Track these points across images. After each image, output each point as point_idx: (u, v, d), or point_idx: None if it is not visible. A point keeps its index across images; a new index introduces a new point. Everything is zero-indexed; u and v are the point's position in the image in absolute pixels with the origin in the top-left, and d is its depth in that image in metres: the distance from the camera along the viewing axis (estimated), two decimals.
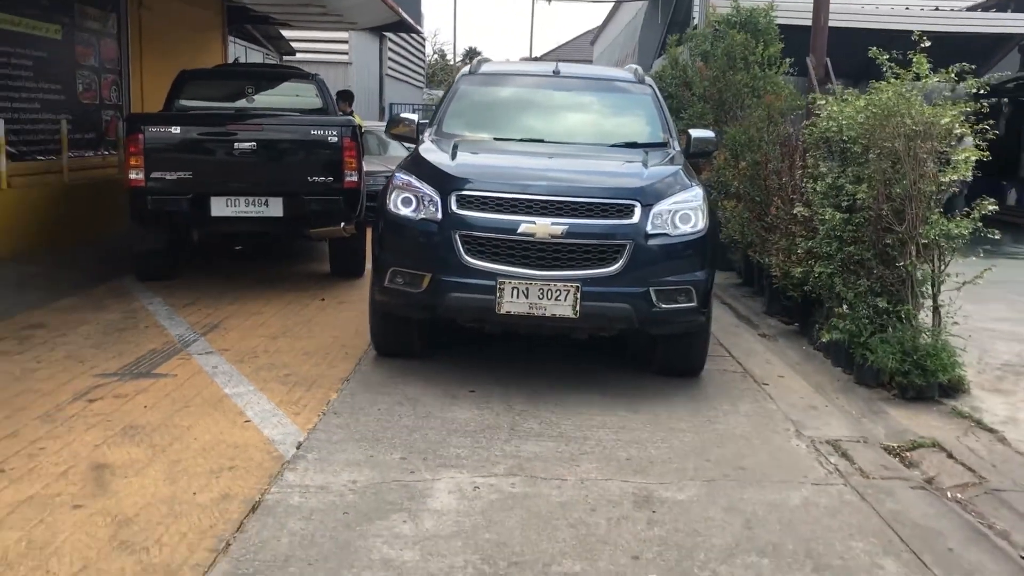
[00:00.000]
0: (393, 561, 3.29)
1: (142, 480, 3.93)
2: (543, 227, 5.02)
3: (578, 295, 4.94)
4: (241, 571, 3.18)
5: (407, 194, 5.36)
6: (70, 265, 8.76)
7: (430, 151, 5.93)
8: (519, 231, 5.04)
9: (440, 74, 52.48)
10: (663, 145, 6.24)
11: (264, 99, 9.20)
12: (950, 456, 4.56)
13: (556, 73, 7.03)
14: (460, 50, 58.79)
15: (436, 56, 57.01)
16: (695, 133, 6.29)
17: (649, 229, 5.11)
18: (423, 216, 5.26)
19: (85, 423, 4.59)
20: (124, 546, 3.33)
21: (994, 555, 3.56)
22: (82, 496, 3.74)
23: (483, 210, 5.16)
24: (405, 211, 5.32)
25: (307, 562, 3.26)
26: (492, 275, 5.02)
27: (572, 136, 6.47)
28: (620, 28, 26.35)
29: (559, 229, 5.02)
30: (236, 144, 7.64)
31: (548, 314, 4.97)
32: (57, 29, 10.03)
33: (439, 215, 5.20)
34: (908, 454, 4.63)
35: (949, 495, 4.13)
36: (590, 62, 39.16)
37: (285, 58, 19.97)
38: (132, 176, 7.47)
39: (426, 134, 6.44)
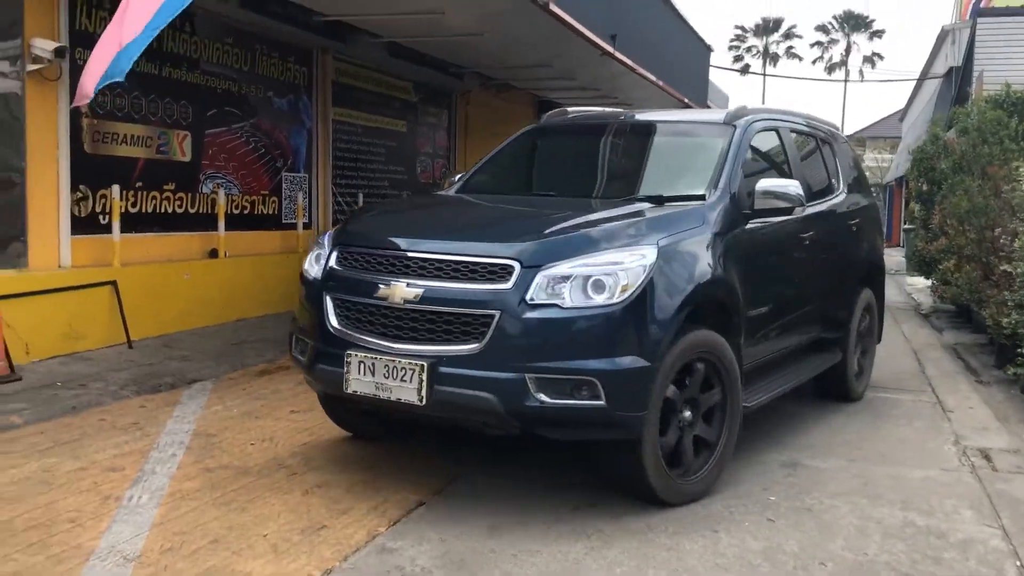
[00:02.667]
0: None
1: None
2: (397, 290, 4.09)
3: (425, 377, 3.92)
4: None
5: (316, 250, 4.70)
6: None
7: (377, 207, 5.48)
8: (375, 294, 4.17)
9: None
10: (694, 198, 4.79)
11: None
12: None
13: (625, 119, 6.00)
14: None
15: None
16: (764, 185, 4.90)
17: (529, 297, 3.90)
18: (313, 275, 4.58)
19: None
20: None
21: None
22: None
23: (352, 269, 4.39)
24: (307, 268, 4.67)
25: None
26: (345, 344, 4.22)
27: (583, 190, 5.39)
28: (922, 105, 26.31)
29: (412, 293, 4.06)
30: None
31: (393, 398, 4.02)
32: (403, 124, 12.98)
33: (320, 273, 4.52)
34: None
35: None
36: (898, 139, 38.49)
37: None
38: None
39: (446, 189, 5.92)
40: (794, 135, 6.06)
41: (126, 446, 5.08)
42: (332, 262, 4.50)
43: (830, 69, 65.74)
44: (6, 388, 6.13)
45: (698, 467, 4.44)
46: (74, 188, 7.66)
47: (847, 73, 65.06)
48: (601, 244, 4.12)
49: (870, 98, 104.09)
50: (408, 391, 3.99)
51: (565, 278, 3.96)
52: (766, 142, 5.72)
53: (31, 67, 7.14)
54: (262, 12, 9.37)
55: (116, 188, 7.88)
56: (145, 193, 8.46)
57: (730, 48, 67.51)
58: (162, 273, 8.38)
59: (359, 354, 4.14)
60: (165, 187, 8.69)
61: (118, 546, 3.69)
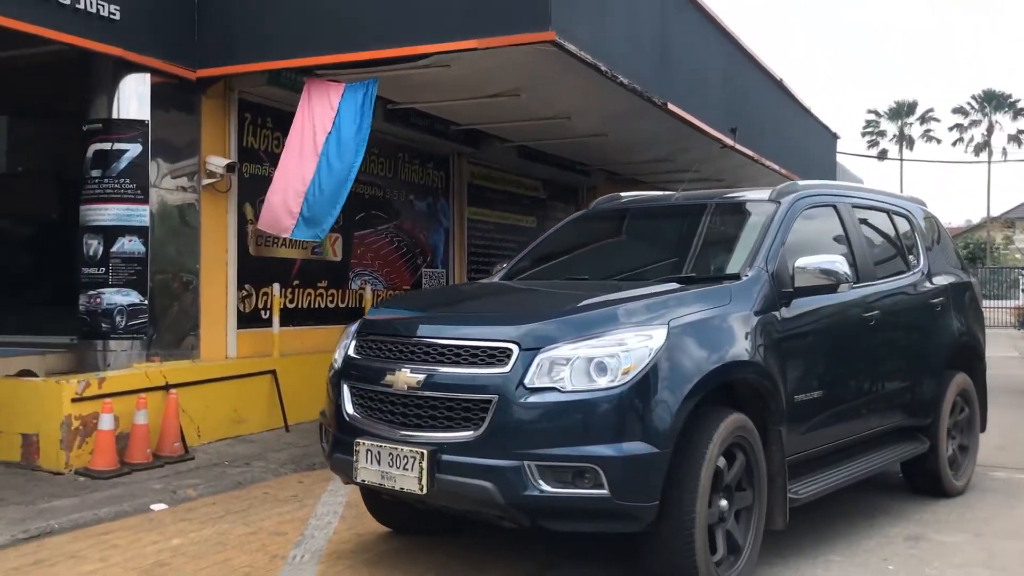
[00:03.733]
0: None
1: None
2: (401, 376, 4.03)
3: (425, 465, 3.84)
4: None
5: (342, 340, 4.72)
6: None
7: (401, 295, 5.63)
8: (382, 381, 4.14)
9: None
10: (729, 278, 4.61)
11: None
12: None
13: (674, 201, 5.78)
14: None
15: None
16: (804, 262, 4.66)
17: (528, 380, 3.77)
18: (336, 364, 4.61)
19: None
20: None
21: None
22: None
23: (367, 356, 4.39)
24: (334, 357, 4.67)
25: None
26: (357, 432, 4.21)
27: (617, 274, 5.31)
28: None
29: (415, 379, 3.99)
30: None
31: (397, 487, 3.94)
32: (533, 219, 13.71)
33: (340, 362, 4.55)
34: None
35: None
36: None
37: None
38: None
39: (492, 276, 5.84)
40: (857, 211, 5.75)
41: (288, 515, 5.65)
42: (351, 350, 4.50)
43: (976, 150, 63.70)
44: (182, 466, 6.88)
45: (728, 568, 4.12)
46: (240, 287, 8.56)
47: (990, 153, 62.97)
48: (606, 325, 3.94)
49: (1017, 178, 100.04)
50: (410, 480, 3.88)
51: (566, 360, 3.78)
52: (820, 218, 5.43)
53: (206, 181, 8.14)
54: (405, 124, 10.27)
55: (276, 286, 8.74)
56: (301, 290, 9.33)
57: (863, 134, 66.63)
58: (316, 362, 9.10)
59: (367, 442, 4.08)
60: (319, 284, 9.56)
61: None
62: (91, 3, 7.00)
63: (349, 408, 4.32)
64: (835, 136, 18.91)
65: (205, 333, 8.14)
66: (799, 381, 4.64)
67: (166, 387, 7.26)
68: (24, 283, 9.12)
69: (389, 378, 4.09)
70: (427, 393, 3.96)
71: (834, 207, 5.56)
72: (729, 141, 11.47)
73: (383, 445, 4.00)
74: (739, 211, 5.46)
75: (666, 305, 4.15)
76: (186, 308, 8.03)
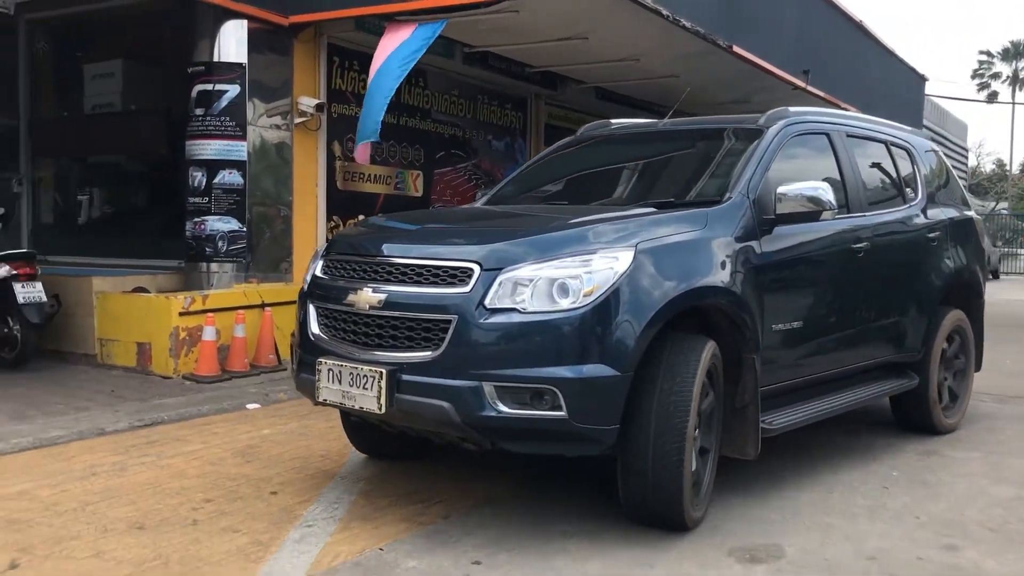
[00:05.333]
0: None
1: None
2: (364, 296, 3.99)
3: (384, 384, 3.80)
4: None
5: (312, 260, 4.67)
6: None
7: (375, 217, 5.47)
8: (344, 300, 4.10)
9: (994, 184, 51.05)
10: (710, 203, 4.47)
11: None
12: None
13: (662, 127, 5.72)
14: (1018, 161, 56.13)
15: (994, 167, 55.83)
16: (786, 188, 4.51)
17: (488, 301, 3.71)
18: (305, 285, 4.55)
19: None
20: None
21: None
22: None
23: (332, 276, 4.33)
24: (304, 277, 4.62)
25: None
26: (320, 352, 4.16)
27: (596, 198, 5.31)
28: None
29: (376, 299, 3.95)
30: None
31: (357, 406, 3.92)
32: None
33: (308, 281, 4.50)
34: None
35: None
36: None
37: None
38: None
39: (476, 201, 5.81)
40: (852, 140, 5.58)
41: None
42: (317, 270, 4.45)
43: None
44: (275, 375, 7.73)
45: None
46: (328, 218, 9.33)
47: None
48: (572, 246, 3.85)
49: None
50: (369, 399, 3.84)
51: (528, 281, 3.71)
52: (810, 146, 5.27)
53: (298, 120, 8.87)
54: (483, 66, 10.81)
55: (361, 218, 9.47)
56: None
57: (974, 76, 63.80)
58: None
59: (329, 362, 4.03)
60: None
61: (355, 472, 4.94)
62: None
63: (314, 328, 4.26)
64: (923, 78, 18.58)
65: (297, 259, 8.93)
66: (778, 310, 4.55)
67: (262, 305, 8.10)
68: (138, 212, 10.09)
69: (351, 297, 4.04)
70: (388, 313, 3.91)
71: (827, 135, 5.37)
72: (801, 83, 11.65)
73: (344, 364, 3.96)
74: (725, 137, 5.24)
75: (635, 228, 4.03)
76: (280, 236, 8.83)
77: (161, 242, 9.08)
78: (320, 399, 4.09)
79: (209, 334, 7.53)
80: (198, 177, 8.23)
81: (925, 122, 22.42)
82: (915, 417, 6.03)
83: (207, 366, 7.49)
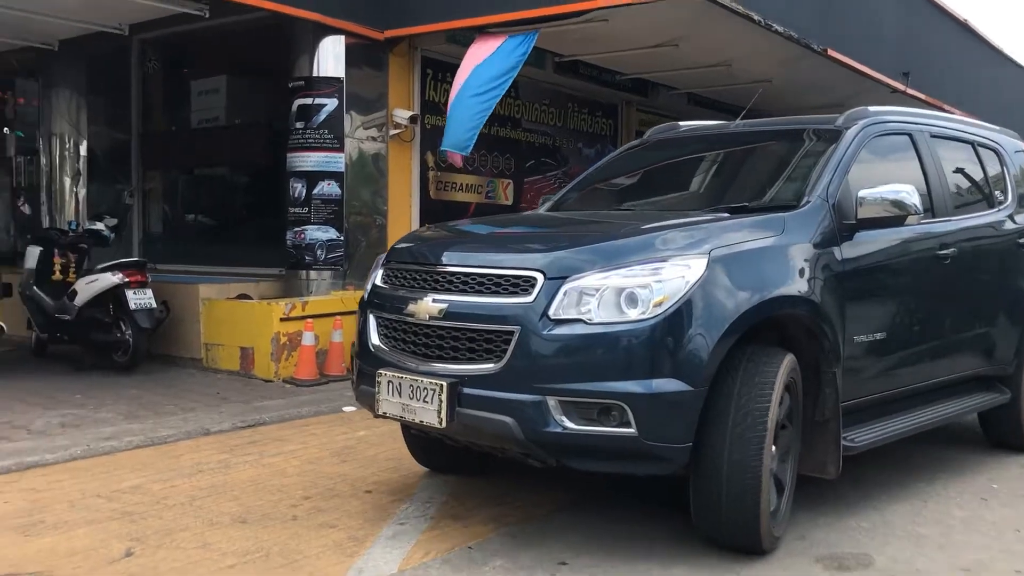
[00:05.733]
0: None
1: None
2: (424, 306, 3.85)
3: (444, 398, 3.66)
4: None
5: (373, 269, 4.55)
6: None
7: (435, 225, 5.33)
8: (405, 310, 3.96)
9: None
10: (785, 208, 4.24)
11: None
12: None
13: (735, 129, 5.53)
14: None
15: None
16: (868, 192, 4.29)
17: (552, 311, 3.56)
18: (365, 295, 4.44)
19: None
20: None
21: None
22: None
23: (393, 285, 4.20)
24: (365, 287, 4.50)
25: None
26: (380, 363, 4.03)
27: (665, 204, 5.18)
28: None
29: (437, 308, 3.81)
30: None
31: (417, 420, 3.79)
32: None
33: (368, 291, 4.40)
34: None
35: None
36: None
37: None
38: None
39: (538, 208, 5.65)
40: (936, 141, 5.29)
41: None
42: (377, 279, 4.34)
43: None
44: None
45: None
46: (421, 226, 9.53)
47: None
48: (640, 254, 3.66)
49: None
50: (430, 413, 3.70)
51: (594, 290, 3.55)
52: (892, 147, 5.02)
53: (392, 131, 9.13)
54: (574, 75, 10.90)
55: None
56: None
57: None
58: None
59: (389, 373, 3.90)
60: None
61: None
62: None
63: (374, 339, 4.15)
64: None
65: None
66: (859, 321, 4.31)
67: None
68: (240, 222, 10.51)
69: (412, 307, 3.90)
70: (448, 323, 3.77)
71: (909, 136, 5.10)
72: (900, 85, 11.38)
73: (404, 376, 3.83)
74: (802, 139, 4.99)
75: (709, 234, 3.82)
76: (375, 244, 9.08)
77: (262, 251, 9.44)
78: (380, 412, 3.96)
79: (308, 339, 7.80)
80: (298, 188, 8.54)
81: None
82: (1006, 434, 5.72)
83: (306, 370, 7.77)
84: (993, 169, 5.81)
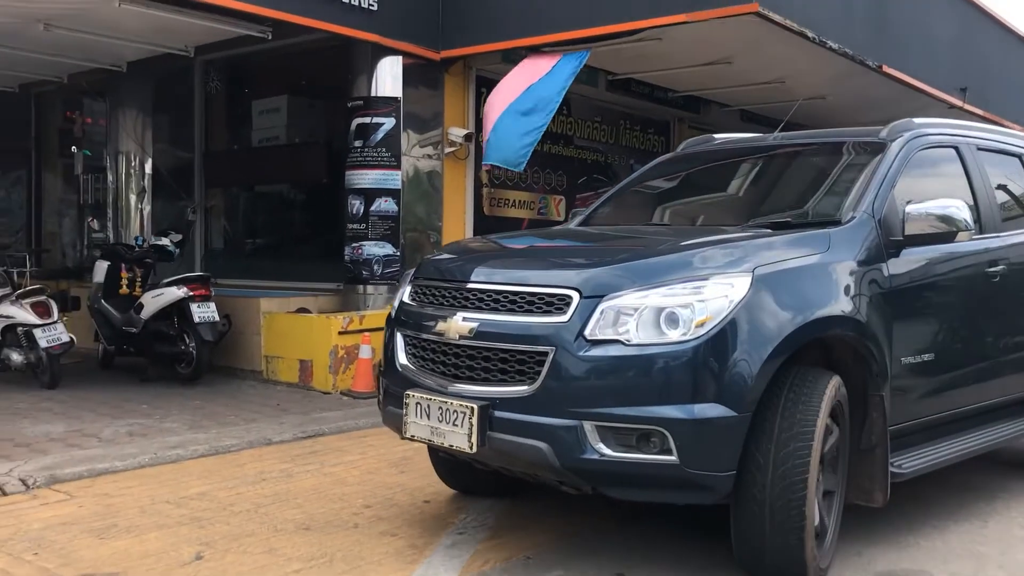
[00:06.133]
0: None
1: None
2: (453, 325, 3.71)
3: (475, 421, 3.52)
4: None
5: (401, 285, 4.42)
6: None
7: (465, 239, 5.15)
8: (434, 329, 3.82)
9: None
10: (829, 223, 4.10)
11: None
12: None
13: (772, 141, 5.33)
14: None
15: None
16: (917, 207, 4.14)
17: (589, 332, 3.42)
18: (391, 312, 4.32)
19: None
20: None
21: None
22: None
23: (421, 302, 4.06)
24: (392, 304, 4.37)
25: None
26: (408, 384, 3.89)
27: (702, 219, 5.10)
28: None
29: (467, 328, 3.67)
30: None
31: (446, 444, 3.65)
32: None
33: (396, 309, 4.25)
34: None
35: None
36: None
37: None
38: None
39: (569, 222, 5.56)
40: (983, 154, 5.13)
41: None
42: (405, 296, 4.19)
43: None
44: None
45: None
46: None
47: None
48: (681, 272, 3.51)
49: None
50: (460, 436, 3.57)
51: (632, 310, 3.39)
52: (939, 161, 4.85)
53: (448, 149, 9.28)
54: (626, 92, 10.98)
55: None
56: None
57: None
58: None
59: (417, 394, 3.76)
60: None
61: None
62: None
63: (402, 358, 4.00)
64: None
65: None
66: (907, 342, 4.15)
67: None
68: (299, 238, 10.74)
69: (441, 326, 3.76)
70: (480, 343, 3.62)
71: (955, 148, 4.93)
72: (957, 101, 11.27)
73: (433, 398, 3.69)
74: (845, 152, 4.84)
75: (751, 251, 3.66)
76: None
77: (320, 266, 9.64)
78: (408, 435, 3.81)
79: (365, 352, 7.96)
80: (356, 205, 8.73)
81: None
82: None
83: (363, 382, 7.91)
84: None
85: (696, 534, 4.28)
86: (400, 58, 8.73)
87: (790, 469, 3.39)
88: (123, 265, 8.87)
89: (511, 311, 3.62)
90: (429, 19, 8.99)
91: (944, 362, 4.47)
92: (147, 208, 10.91)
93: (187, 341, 8.24)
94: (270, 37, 8.49)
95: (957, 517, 4.65)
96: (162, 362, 8.49)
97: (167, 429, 6.38)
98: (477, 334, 3.64)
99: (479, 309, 3.71)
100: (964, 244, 4.47)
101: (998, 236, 4.97)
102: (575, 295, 3.48)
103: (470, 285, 3.80)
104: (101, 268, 8.90)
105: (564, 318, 3.46)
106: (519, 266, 3.92)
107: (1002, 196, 5.26)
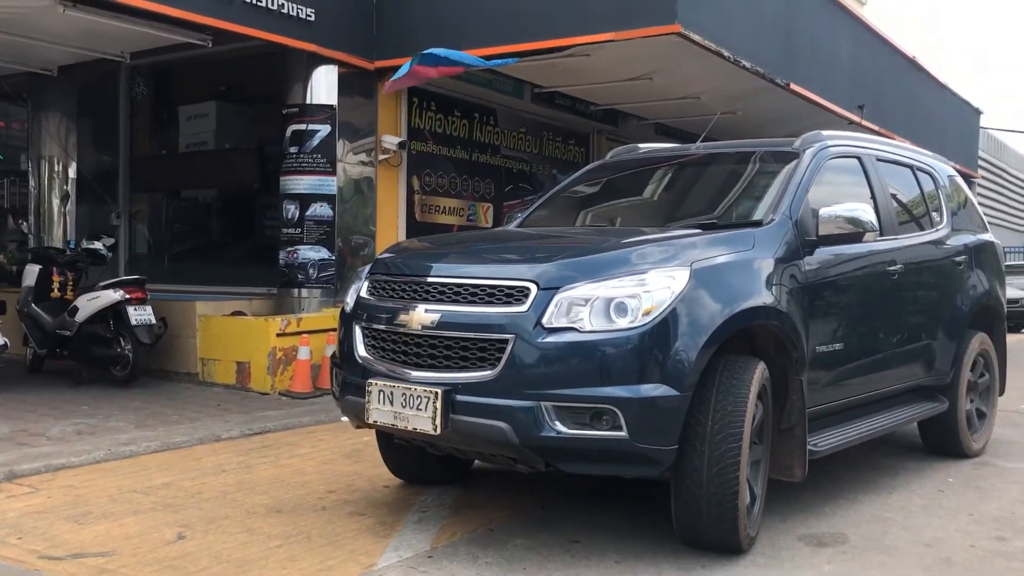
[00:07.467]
0: None
1: None
2: (416, 316, 3.98)
3: (439, 405, 3.79)
4: None
5: (354, 283, 4.65)
6: None
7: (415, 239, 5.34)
8: (395, 321, 4.09)
9: None
10: (751, 224, 4.54)
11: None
12: None
13: (693, 151, 5.69)
14: None
15: None
16: (829, 210, 4.59)
17: (546, 320, 3.74)
18: (347, 307, 4.54)
19: None
20: None
21: None
22: None
23: (379, 297, 4.32)
24: (346, 300, 4.59)
25: None
26: (369, 373, 4.14)
27: (636, 221, 5.45)
28: None
29: (430, 318, 3.95)
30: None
31: (410, 427, 3.90)
32: None
33: (352, 304, 4.48)
34: None
35: None
36: None
37: None
38: None
39: (505, 225, 5.86)
40: (882, 164, 5.64)
41: None
42: (363, 291, 4.44)
43: None
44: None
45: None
46: None
47: None
48: (627, 266, 3.88)
49: None
50: (424, 420, 3.83)
51: (584, 300, 3.74)
52: (844, 170, 5.32)
53: (381, 157, 9.58)
54: (550, 105, 11.45)
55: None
56: None
57: None
58: None
59: (379, 382, 4.01)
60: None
61: None
62: (293, 8, 8.48)
63: (361, 350, 4.25)
64: (978, 111, 18.90)
65: None
66: (821, 332, 4.59)
67: None
68: (230, 242, 10.84)
69: (403, 317, 4.03)
70: (442, 332, 3.90)
71: (858, 159, 5.43)
72: (855, 118, 12.09)
73: (396, 385, 3.94)
74: (762, 160, 5.28)
75: (688, 247, 4.06)
76: (365, 263, 9.44)
77: (250, 270, 9.78)
78: (370, 420, 4.04)
79: (304, 354, 8.17)
80: (291, 210, 8.92)
81: (981, 153, 22.61)
82: (944, 441, 6.05)
83: (301, 383, 8.12)
84: (930, 191, 6.21)
85: (639, 509, 4.69)
86: (336, 67, 8.98)
87: (725, 446, 3.78)
88: (55, 269, 8.85)
89: (472, 303, 3.92)
90: (364, 30, 9.28)
91: (852, 352, 4.93)
92: (71, 212, 10.86)
93: (123, 344, 8.28)
94: (210, 45, 8.63)
95: (866, 490, 5.19)
96: (97, 365, 8.50)
97: (114, 428, 6.49)
98: (439, 324, 3.91)
99: (440, 301, 3.99)
100: (869, 244, 4.94)
101: (896, 238, 5.48)
102: (533, 287, 3.81)
103: (431, 279, 4.10)
104: (32, 272, 8.88)
105: (523, 308, 3.78)
106: (478, 261, 4.24)
107: (898, 202, 5.80)
